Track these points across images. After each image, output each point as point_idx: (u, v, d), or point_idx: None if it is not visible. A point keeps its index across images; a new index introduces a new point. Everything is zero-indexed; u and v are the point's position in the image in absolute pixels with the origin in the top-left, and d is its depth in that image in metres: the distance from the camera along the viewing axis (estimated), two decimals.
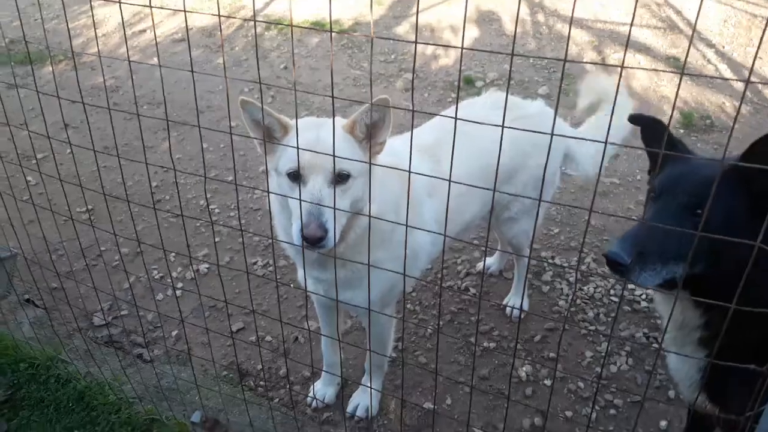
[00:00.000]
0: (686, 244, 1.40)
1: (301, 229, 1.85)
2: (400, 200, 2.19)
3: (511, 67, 1.24)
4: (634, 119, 1.84)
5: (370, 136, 2.03)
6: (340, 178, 1.93)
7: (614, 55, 6.08)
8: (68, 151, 4.39)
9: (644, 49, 6.10)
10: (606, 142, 1.35)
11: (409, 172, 1.57)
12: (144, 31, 7.07)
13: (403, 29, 6.88)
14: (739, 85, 5.42)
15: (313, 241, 1.85)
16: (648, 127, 1.80)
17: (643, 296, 3.30)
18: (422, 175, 1.63)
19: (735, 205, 1.50)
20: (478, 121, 1.47)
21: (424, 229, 2.11)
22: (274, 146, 2.04)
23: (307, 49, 6.55)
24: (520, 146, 2.61)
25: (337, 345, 2.75)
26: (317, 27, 6.77)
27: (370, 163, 1.96)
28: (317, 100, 5.44)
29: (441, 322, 3.21)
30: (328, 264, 2.16)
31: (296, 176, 1.95)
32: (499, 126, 1.32)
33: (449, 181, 1.47)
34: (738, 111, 1.17)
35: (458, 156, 1.57)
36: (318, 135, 1.97)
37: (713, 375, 1.72)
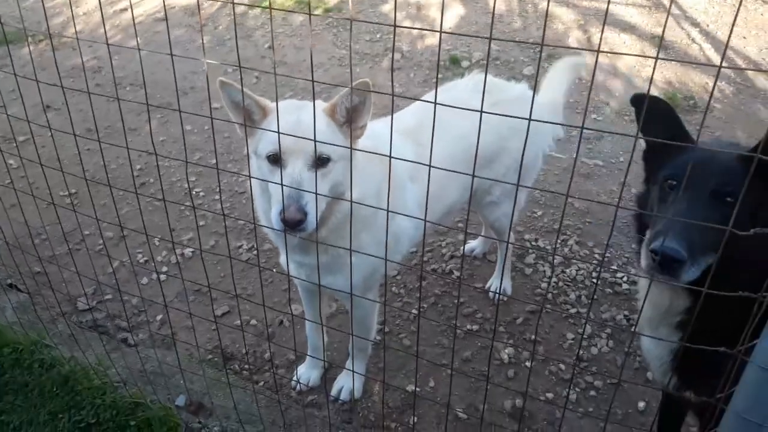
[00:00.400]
0: (721, 233, 1.37)
1: (281, 213, 1.85)
2: (381, 184, 2.19)
3: (489, 52, 1.23)
4: (636, 100, 1.74)
5: (351, 120, 2.02)
6: (320, 162, 1.93)
7: (599, 34, 6.05)
8: (49, 133, 4.33)
9: (629, 28, 6.07)
10: (582, 127, 1.35)
11: (390, 157, 1.57)
12: (125, 9, 6.94)
13: (389, 7, 6.80)
14: (724, 64, 5.42)
15: (292, 224, 1.85)
16: (650, 108, 1.67)
17: (624, 279, 3.34)
18: (403, 160, 1.63)
19: (759, 193, 1.49)
20: (458, 105, 1.47)
21: (405, 214, 2.11)
22: (254, 129, 2.03)
23: (291, 28, 6.47)
24: (500, 130, 2.60)
25: (321, 329, 2.76)
26: (298, 9, 6.68)
27: (351, 148, 1.96)
28: (302, 80, 5.39)
29: (425, 305, 3.23)
30: (309, 248, 2.16)
31: (276, 159, 1.95)
32: (478, 111, 1.32)
33: (429, 166, 1.47)
34: (711, 94, 1.18)
35: (440, 139, 1.56)
36: (298, 118, 1.95)
37: (685, 357, 1.74)
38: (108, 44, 1.76)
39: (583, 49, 5.53)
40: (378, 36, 6.23)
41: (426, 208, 1.64)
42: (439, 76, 5.47)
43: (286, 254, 2.23)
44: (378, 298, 2.65)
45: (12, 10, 6.64)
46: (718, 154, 1.57)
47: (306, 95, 4.97)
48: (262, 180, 2.03)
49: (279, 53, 6.02)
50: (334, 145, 1.89)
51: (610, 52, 1.23)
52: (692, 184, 1.52)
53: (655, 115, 1.65)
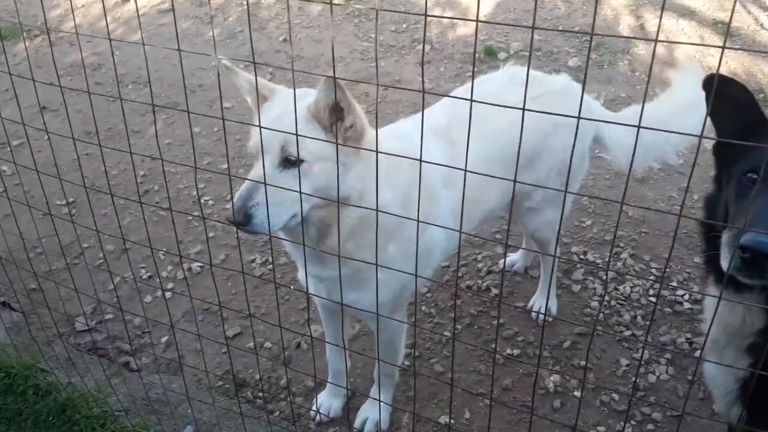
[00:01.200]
0: None
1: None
2: (410, 190, 2.18)
3: (531, 42, 1.21)
4: (709, 83, 1.67)
5: (339, 119, 2.03)
6: (290, 162, 1.95)
7: (654, 21, 5.98)
8: (46, 137, 4.42)
9: (688, 13, 6.00)
10: (639, 126, 1.32)
11: (421, 161, 1.56)
12: (127, 0, 7.07)
13: None
14: None
15: (233, 223, 1.92)
16: (723, 93, 1.60)
17: (686, 297, 3.28)
18: (436, 164, 1.61)
19: None
20: (495, 102, 1.46)
21: (435, 224, 2.10)
22: None
23: (308, 19, 6.52)
24: (541, 126, 2.58)
25: (343, 352, 2.75)
26: None
27: (373, 149, 1.95)
28: (321, 76, 5.42)
29: (459, 327, 3.21)
30: (326, 260, 2.16)
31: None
32: (519, 108, 1.30)
33: (465, 170, 1.45)
34: None
35: (474, 138, 1.55)
36: (282, 112, 1.99)
37: (756, 386, 1.70)
38: (110, 39, 1.79)
39: (638, 38, 5.47)
40: (404, 26, 6.25)
41: (462, 217, 1.63)
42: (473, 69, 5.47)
43: (305, 269, 2.24)
44: (406, 319, 2.64)
45: (6, 2, 6.80)
46: None
47: None
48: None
49: (295, 47, 6.07)
50: (332, 142, 1.90)
51: (669, 42, 1.21)
52: None
53: (729, 100, 1.60)
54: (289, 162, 1.95)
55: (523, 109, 1.30)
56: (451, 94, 2.72)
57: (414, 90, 1.65)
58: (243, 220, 1.90)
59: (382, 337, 2.52)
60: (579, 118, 1.28)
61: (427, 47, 5.88)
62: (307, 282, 2.35)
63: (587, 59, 1.22)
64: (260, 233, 1.95)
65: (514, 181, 1.46)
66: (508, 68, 2.86)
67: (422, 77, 1.36)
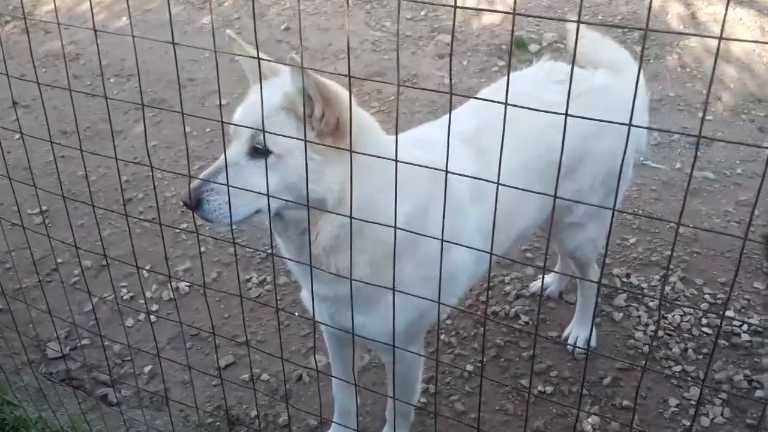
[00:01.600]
0: None
1: None
2: (428, 204, 2.16)
3: (577, 38, 1.21)
4: None
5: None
6: (258, 152, 1.96)
7: (707, 9, 5.96)
8: (17, 136, 4.44)
9: (747, 1, 5.97)
10: (699, 136, 1.30)
11: (446, 171, 1.54)
12: None
13: None
14: None
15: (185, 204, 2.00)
16: None
17: (744, 327, 3.24)
18: (457, 174, 1.59)
19: None
20: (530, 103, 1.44)
21: (457, 243, 2.07)
22: None
23: (313, 5, 6.55)
24: (582, 128, 2.55)
25: (352, 387, 2.73)
26: None
27: (367, 151, 1.92)
28: (328, 68, 5.43)
29: (484, 359, 3.19)
30: (319, 275, 2.12)
31: None
32: (561, 114, 1.28)
33: (497, 183, 1.43)
34: None
35: (507, 145, 1.53)
36: (262, 96, 1.99)
37: None
38: (95, 30, 1.78)
39: (697, 35, 5.43)
40: (422, 14, 6.26)
41: (492, 236, 1.60)
42: (501, 63, 5.47)
43: (312, 291, 2.21)
44: (423, 350, 2.62)
45: None
46: None
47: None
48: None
49: (299, 36, 6.09)
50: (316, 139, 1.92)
51: (733, 39, 1.19)
52: None
53: None
54: (258, 151, 1.96)
55: (566, 115, 1.28)
56: (479, 95, 2.71)
57: (440, 91, 1.63)
58: (193, 203, 1.94)
59: (396, 371, 2.49)
60: (630, 125, 1.26)
61: (448, 37, 5.88)
62: (313, 304, 2.33)
63: (641, 58, 1.20)
64: (207, 220, 1.99)
65: (554, 196, 1.44)
66: (542, 63, 2.84)
67: (450, 77, 1.34)
